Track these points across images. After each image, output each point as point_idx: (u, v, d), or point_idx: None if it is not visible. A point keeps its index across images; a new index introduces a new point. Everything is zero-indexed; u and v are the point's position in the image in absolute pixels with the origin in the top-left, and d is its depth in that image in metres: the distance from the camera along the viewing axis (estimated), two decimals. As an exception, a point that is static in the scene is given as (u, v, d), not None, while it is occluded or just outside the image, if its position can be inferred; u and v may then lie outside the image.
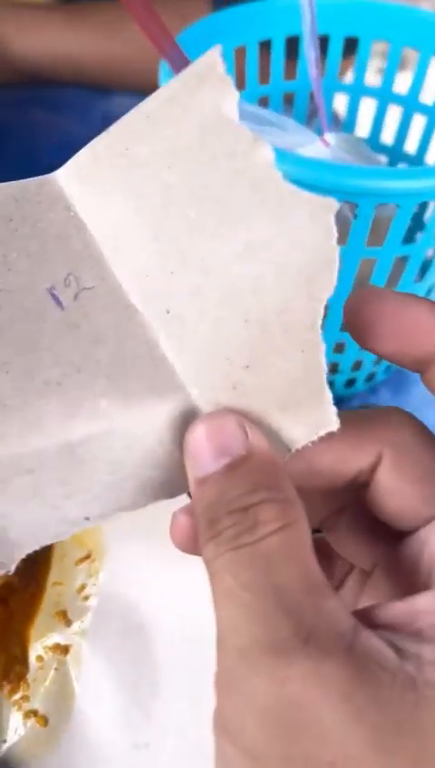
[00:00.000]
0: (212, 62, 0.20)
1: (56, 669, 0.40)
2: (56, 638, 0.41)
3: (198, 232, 0.20)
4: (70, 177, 0.23)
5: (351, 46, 0.56)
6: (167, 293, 0.21)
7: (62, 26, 0.89)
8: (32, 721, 0.38)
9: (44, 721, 0.38)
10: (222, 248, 0.20)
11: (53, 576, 0.45)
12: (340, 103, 0.62)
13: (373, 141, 0.58)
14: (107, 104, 0.91)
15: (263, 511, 0.18)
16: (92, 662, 0.40)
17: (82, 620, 0.42)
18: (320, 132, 0.49)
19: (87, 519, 0.20)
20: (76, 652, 0.40)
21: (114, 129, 0.22)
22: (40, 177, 0.23)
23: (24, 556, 0.19)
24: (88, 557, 0.44)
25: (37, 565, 0.46)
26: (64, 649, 0.41)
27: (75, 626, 0.42)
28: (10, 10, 0.89)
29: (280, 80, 0.57)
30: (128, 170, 0.21)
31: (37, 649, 0.42)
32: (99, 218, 0.22)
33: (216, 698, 0.17)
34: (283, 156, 0.38)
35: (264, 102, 0.58)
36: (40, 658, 0.41)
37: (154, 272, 0.21)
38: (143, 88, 0.88)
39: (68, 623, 0.42)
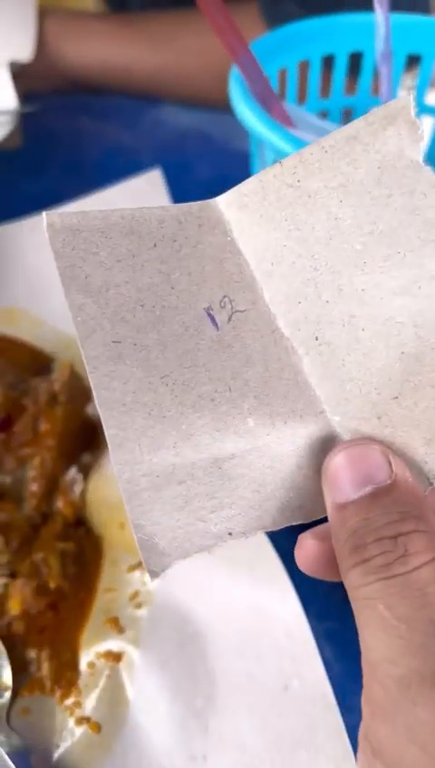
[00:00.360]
0: (403, 105, 0.21)
1: (108, 676, 0.40)
2: (108, 644, 0.41)
3: (361, 264, 0.21)
4: (231, 204, 0.24)
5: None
6: (318, 321, 0.22)
7: (112, 36, 0.89)
8: (85, 727, 0.38)
9: (97, 727, 0.38)
10: (385, 282, 0.21)
11: (104, 582, 0.45)
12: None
13: (432, 160, 0.58)
14: (156, 113, 0.92)
15: (413, 541, 0.18)
16: (146, 670, 0.39)
17: (134, 628, 0.41)
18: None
19: (230, 534, 0.20)
20: (129, 660, 0.40)
21: (287, 161, 0.23)
22: (202, 201, 0.24)
23: (172, 566, 0.19)
24: (140, 564, 0.44)
25: (88, 571, 0.46)
26: (117, 657, 0.41)
27: (128, 633, 0.41)
28: (61, 19, 0.90)
29: (340, 95, 0.57)
30: (295, 201, 0.22)
31: (89, 656, 0.41)
32: (255, 244, 0.23)
33: (370, 723, 0.17)
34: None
35: (323, 117, 0.58)
36: (91, 665, 0.41)
37: (307, 299, 0.22)
38: (192, 99, 0.89)
39: (120, 630, 0.42)
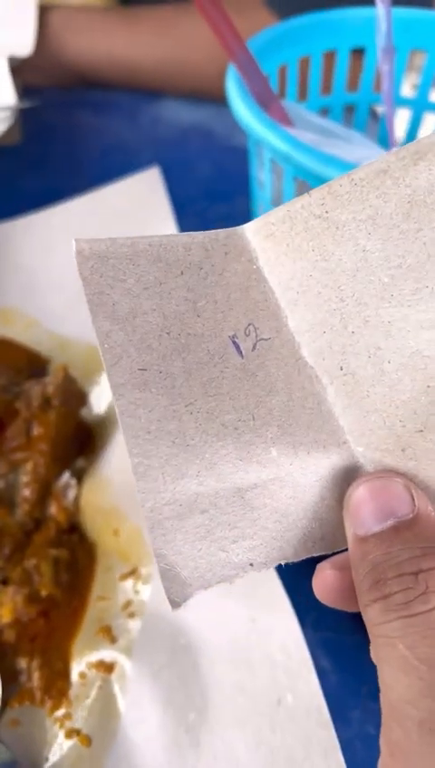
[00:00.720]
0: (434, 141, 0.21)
1: (100, 687, 0.39)
2: (101, 654, 0.41)
3: (388, 297, 0.21)
4: (258, 232, 0.24)
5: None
6: (343, 351, 0.22)
7: (117, 28, 0.88)
8: (75, 740, 0.37)
9: (88, 741, 0.37)
10: (412, 315, 0.21)
11: (97, 590, 0.44)
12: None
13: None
14: (156, 109, 0.91)
15: (434, 578, 0.18)
16: (138, 682, 0.39)
17: (126, 638, 0.41)
18: (386, 146, 0.48)
19: (251, 565, 0.20)
20: (121, 670, 0.39)
21: (315, 192, 0.23)
22: (229, 228, 0.24)
23: (193, 596, 0.19)
24: (133, 573, 0.43)
25: (81, 579, 0.45)
26: (108, 667, 0.40)
27: (120, 643, 0.41)
28: (66, 13, 0.89)
29: (342, 91, 0.56)
30: (323, 232, 0.22)
31: (81, 666, 0.41)
32: (281, 273, 0.23)
33: (388, 762, 0.17)
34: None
35: (324, 114, 0.57)
36: (83, 675, 0.40)
37: (333, 329, 0.22)
38: (196, 91, 0.88)
39: (112, 640, 0.41)
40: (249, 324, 0.22)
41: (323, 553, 0.22)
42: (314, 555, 0.22)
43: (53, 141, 0.85)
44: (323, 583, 0.22)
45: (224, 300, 0.22)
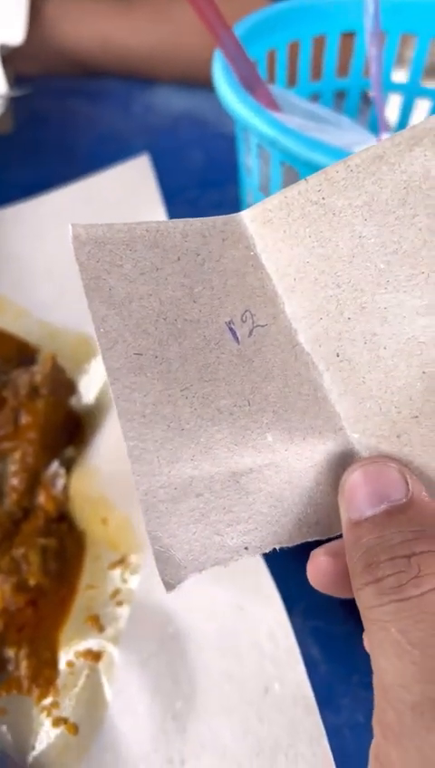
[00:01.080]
0: (431, 127, 0.20)
1: (87, 676, 0.39)
2: (88, 643, 0.40)
3: (384, 283, 0.21)
4: (255, 219, 0.24)
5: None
6: (339, 338, 0.22)
7: (111, 14, 0.88)
8: (62, 728, 0.37)
9: (75, 729, 0.37)
10: (408, 301, 0.21)
11: (86, 579, 0.44)
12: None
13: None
14: (149, 96, 0.90)
15: (426, 561, 0.18)
16: (126, 670, 0.38)
17: (114, 626, 0.41)
18: (376, 132, 0.47)
19: (246, 549, 0.20)
20: (109, 659, 0.39)
21: (312, 178, 0.23)
22: (226, 215, 0.24)
23: (187, 579, 0.19)
24: (122, 562, 0.43)
25: (70, 568, 0.45)
26: (96, 656, 0.40)
27: (108, 632, 0.40)
28: (57, 0, 0.88)
29: (332, 77, 0.56)
30: (320, 218, 0.22)
31: (68, 654, 0.41)
32: (278, 259, 0.23)
33: (381, 745, 0.17)
34: (344, 156, 0.36)
35: (314, 100, 0.57)
36: (70, 664, 0.40)
37: (329, 315, 0.22)
38: (190, 77, 0.87)
39: (100, 629, 0.41)
40: (246, 311, 0.22)
41: (317, 538, 0.22)
42: (309, 540, 0.22)
43: (44, 130, 0.85)
44: (317, 569, 0.22)
45: (221, 286, 0.23)
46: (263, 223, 0.23)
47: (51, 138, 0.84)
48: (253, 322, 0.22)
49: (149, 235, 0.22)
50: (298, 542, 0.21)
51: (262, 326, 0.22)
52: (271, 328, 0.22)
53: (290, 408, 0.21)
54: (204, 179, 0.71)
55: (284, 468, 0.21)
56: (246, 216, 0.24)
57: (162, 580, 0.19)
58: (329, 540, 0.22)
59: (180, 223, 0.23)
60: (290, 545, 0.21)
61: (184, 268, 0.22)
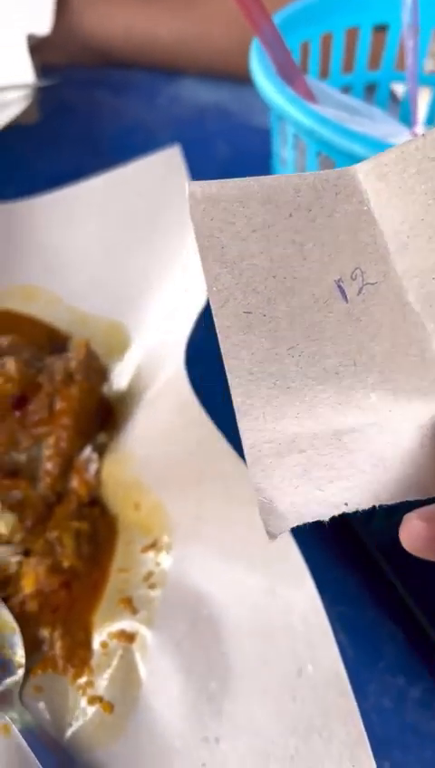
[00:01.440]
0: None
1: (121, 657, 0.40)
2: (122, 624, 0.41)
3: None
4: (369, 173, 0.23)
5: None
6: None
7: (134, 3, 0.88)
8: (97, 707, 0.38)
9: (110, 707, 0.38)
10: None
11: (118, 563, 0.45)
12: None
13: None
14: (174, 88, 0.91)
15: None
16: (159, 651, 0.39)
17: (148, 608, 0.41)
18: (409, 125, 0.48)
19: (346, 504, 0.20)
20: (142, 640, 0.40)
21: (430, 134, 0.22)
22: (340, 168, 0.23)
23: (288, 528, 0.20)
24: (154, 545, 0.44)
25: (102, 551, 0.45)
26: (130, 637, 0.40)
27: (141, 614, 0.41)
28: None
29: (364, 69, 0.56)
30: None
31: (102, 636, 0.41)
32: (392, 216, 0.23)
33: None
34: (381, 147, 0.37)
35: (345, 92, 0.57)
36: (105, 645, 0.41)
37: None
38: (215, 68, 0.87)
39: (134, 611, 0.41)
40: (356, 268, 0.22)
41: (417, 498, 0.22)
42: (409, 499, 0.22)
43: (70, 120, 0.85)
44: (411, 534, 0.23)
45: (331, 242, 0.22)
46: (378, 177, 0.23)
47: (76, 128, 0.85)
48: (363, 280, 0.22)
49: (262, 191, 0.22)
50: (398, 500, 0.21)
51: (372, 284, 0.22)
52: (381, 286, 0.22)
53: (396, 369, 0.21)
54: (231, 172, 0.71)
55: (387, 428, 0.21)
56: (360, 169, 0.23)
57: (266, 530, 0.20)
58: (421, 503, 0.23)
59: (294, 177, 0.23)
60: (389, 503, 0.21)
61: (295, 224, 0.22)
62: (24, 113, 0.76)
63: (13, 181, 0.77)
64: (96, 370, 0.49)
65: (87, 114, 0.87)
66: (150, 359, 0.50)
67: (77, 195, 0.58)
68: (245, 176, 0.64)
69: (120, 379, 0.52)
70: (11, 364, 0.46)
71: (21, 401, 0.46)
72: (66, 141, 0.82)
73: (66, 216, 0.58)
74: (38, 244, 0.58)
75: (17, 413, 0.46)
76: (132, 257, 0.55)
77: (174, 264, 0.53)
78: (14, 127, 0.72)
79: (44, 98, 0.82)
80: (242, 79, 0.91)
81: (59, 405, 0.47)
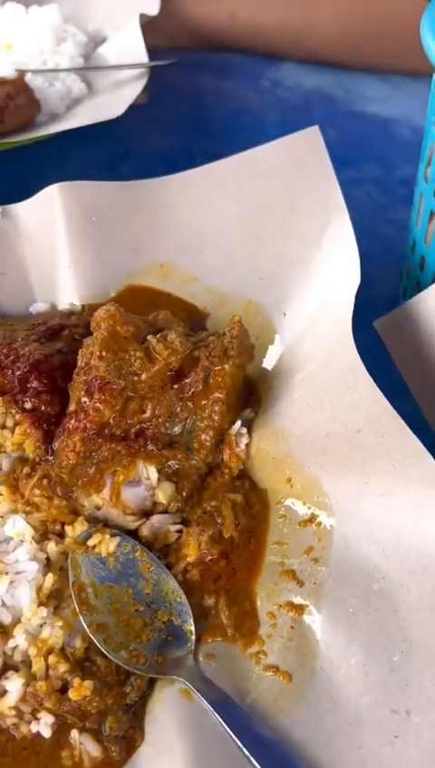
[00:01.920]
0: None
1: (292, 628, 0.40)
2: (288, 596, 0.42)
3: None
4: None
5: None
6: None
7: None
8: (275, 675, 0.39)
9: (288, 677, 0.38)
10: None
11: (273, 536, 0.45)
12: None
13: None
14: (275, 72, 0.90)
15: None
16: (332, 624, 0.39)
17: (314, 582, 0.42)
18: None
19: None
20: (312, 613, 0.40)
21: None
22: None
23: None
24: (311, 520, 0.44)
25: (257, 523, 0.46)
26: (298, 609, 0.41)
27: (308, 587, 0.41)
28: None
29: None
30: None
31: (268, 606, 0.42)
32: None
33: None
34: None
35: None
36: (272, 615, 0.41)
37: None
38: (318, 54, 0.87)
39: (300, 584, 0.42)
40: None
41: None
42: None
43: (177, 102, 0.86)
44: None
45: None
46: None
47: (183, 110, 0.85)
48: None
49: None
50: None
51: None
52: None
53: None
54: (339, 157, 0.71)
55: None
56: None
57: None
58: None
59: None
60: None
61: None
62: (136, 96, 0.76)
63: (126, 160, 0.78)
64: (246, 348, 0.49)
65: (193, 97, 0.87)
66: (300, 339, 0.50)
67: (213, 173, 0.58)
68: (353, 159, 0.63)
69: (262, 357, 0.52)
70: (173, 336, 0.46)
71: (179, 374, 0.47)
72: (175, 123, 0.83)
73: (202, 195, 0.58)
74: (174, 223, 0.58)
75: (175, 386, 0.47)
76: (269, 237, 0.55)
77: (313, 248, 0.53)
78: (129, 106, 0.73)
79: (150, 80, 0.82)
80: (346, 65, 0.91)
81: (213, 380, 0.47)
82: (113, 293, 0.56)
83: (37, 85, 0.77)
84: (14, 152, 0.72)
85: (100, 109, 0.75)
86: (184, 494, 0.47)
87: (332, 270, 0.51)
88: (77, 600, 0.40)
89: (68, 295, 0.56)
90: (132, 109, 0.74)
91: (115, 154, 0.79)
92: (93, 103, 0.79)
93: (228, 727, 0.35)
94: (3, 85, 0.73)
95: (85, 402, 0.44)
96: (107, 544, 0.43)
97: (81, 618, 0.40)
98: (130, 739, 0.37)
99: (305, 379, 0.47)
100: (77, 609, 0.40)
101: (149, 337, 0.46)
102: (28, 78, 0.76)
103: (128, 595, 0.42)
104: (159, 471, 0.46)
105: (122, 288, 0.57)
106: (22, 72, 0.76)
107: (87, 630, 0.40)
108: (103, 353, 0.45)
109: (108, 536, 0.43)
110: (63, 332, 0.51)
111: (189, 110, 0.85)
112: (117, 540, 0.44)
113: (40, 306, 0.57)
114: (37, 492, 0.43)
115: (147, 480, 0.46)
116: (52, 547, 0.42)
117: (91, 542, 0.43)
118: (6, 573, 0.40)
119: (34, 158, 0.72)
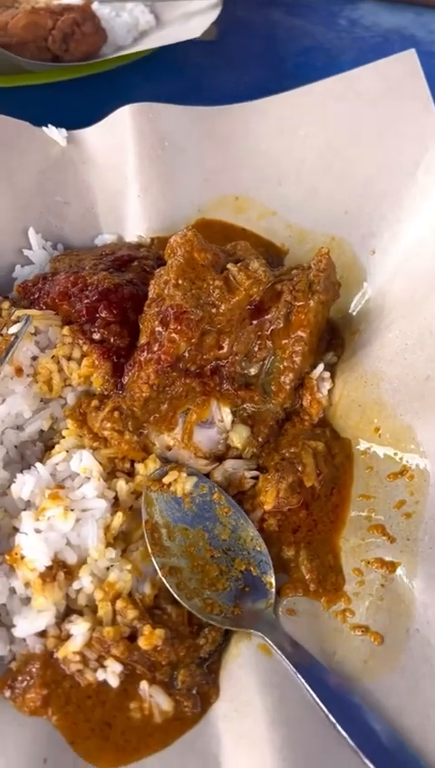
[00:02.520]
0: None
1: (382, 586, 0.36)
2: (377, 552, 0.38)
3: None
4: None
5: None
6: None
7: None
8: (364, 636, 0.35)
9: (380, 638, 0.35)
10: None
11: (358, 488, 0.41)
12: None
13: None
14: (354, 10, 0.84)
15: None
16: (427, 584, 0.35)
17: (408, 538, 0.38)
18: None
19: None
20: (406, 571, 0.36)
21: None
22: None
23: None
24: (403, 473, 0.40)
25: (339, 474, 0.42)
26: (390, 566, 0.37)
27: (399, 543, 0.37)
28: None
29: None
30: None
31: (354, 562, 0.38)
32: None
33: None
34: None
35: None
36: (359, 572, 0.37)
37: None
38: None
39: (391, 539, 0.38)
40: None
41: None
42: None
43: (247, 39, 0.80)
44: None
45: None
46: None
47: (254, 47, 0.80)
48: None
49: None
50: None
51: None
52: None
53: None
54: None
55: None
56: None
57: None
58: None
59: None
60: None
61: None
62: (207, 29, 0.71)
63: (193, 96, 0.73)
64: (332, 285, 0.45)
65: (263, 33, 0.82)
66: (392, 278, 0.46)
67: (295, 100, 0.54)
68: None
69: (347, 297, 0.48)
70: (256, 264, 0.42)
71: (258, 309, 0.43)
72: (246, 59, 0.78)
73: (283, 123, 0.54)
74: (252, 152, 0.54)
75: (254, 322, 0.43)
76: (356, 169, 0.51)
77: (407, 180, 0.48)
78: (196, 42, 0.69)
79: (221, 15, 0.77)
80: (428, 4, 0.85)
81: (296, 317, 0.43)
82: (183, 227, 0.52)
83: (104, 15, 0.73)
84: (79, 83, 0.68)
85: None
86: (260, 439, 0.43)
87: (429, 204, 0.46)
88: (150, 539, 0.37)
89: (136, 227, 0.53)
90: (200, 45, 0.70)
91: (182, 90, 0.74)
92: (161, 35, 0.74)
93: (313, 692, 0.32)
94: (69, 11, 0.69)
95: (160, 332, 0.40)
96: (183, 483, 0.40)
97: (153, 560, 0.37)
98: (205, 695, 0.34)
99: (401, 318, 0.42)
100: (149, 550, 0.37)
101: (229, 265, 0.42)
102: (95, 6, 0.73)
103: (203, 539, 0.38)
104: (233, 413, 0.42)
105: (193, 221, 0.53)
106: (88, 0, 0.72)
107: (159, 573, 0.36)
108: (179, 281, 0.41)
109: (184, 475, 0.40)
110: (133, 263, 0.48)
111: (259, 46, 0.80)
112: (194, 480, 0.40)
113: (106, 238, 0.53)
114: (108, 425, 0.40)
115: (220, 422, 0.42)
116: (121, 485, 0.39)
117: (166, 480, 0.40)
118: (72, 510, 0.37)
119: (99, 90, 0.68)
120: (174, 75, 0.73)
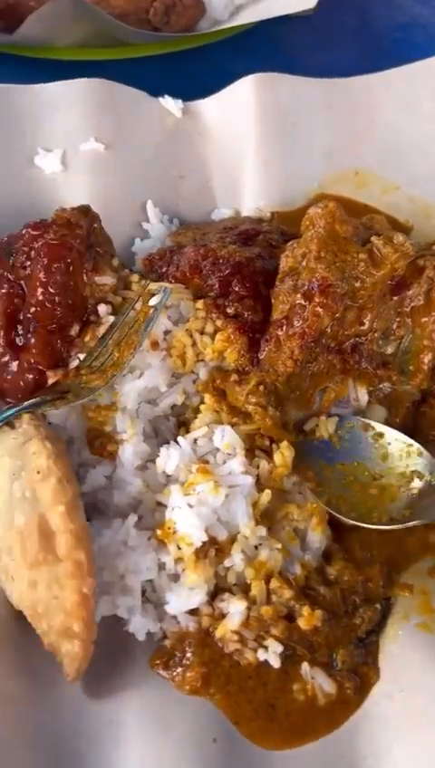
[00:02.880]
0: None
1: None
2: None
3: None
4: None
5: None
6: None
7: None
8: None
9: None
10: None
11: None
12: None
13: None
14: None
15: None
16: None
17: None
18: None
19: None
20: None
21: None
22: None
23: None
24: None
25: None
26: None
27: None
28: None
29: None
30: None
31: None
32: None
33: None
34: None
35: None
36: None
37: None
38: None
39: None
40: None
41: None
42: None
43: (345, 15, 0.78)
44: None
45: None
46: None
47: (350, 22, 0.78)
48: None
49: None
50: None
51: None
52: None
53: None
54: None
55: None
56: None
57: None
58: None
59: None
60: None
61: None
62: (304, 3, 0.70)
63: (296, 72, 0.72)
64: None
65: (361, 9, 0.79)
66: None
67: (420, 73, 0.52)
68: None
69: None
70: (402, 238, 0.41)
71: (399, 285, 0.41)
72: (344, 35, 0.76)
73: (407, 97, 0.52)
74: (374, 126, 0.52)
75: (394, 298, 0.41)
76: None
77: None
78: (293, 18, 0.67)
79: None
80: None
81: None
82: (301, 203, 0.51)
83: (201, -13, 0.71)
84: (171, 57, 0.67)
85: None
86: (397, 420, 0.42)
87: None
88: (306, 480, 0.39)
89: (254, 201, 0.51)
90: (294, 21, 0.68)
91: (278, 67, 0.72)
92: (259, 9, 0.73)
93: None
94: (169, -16, 0.68)
95: (302, 306, 0.39)
96: (326, 426, 0.40)
97: (312, 495, 0.38)
98: (364, 676, 0.33)
99: None
100: (307, 487, 0.38)
101: (374, 238, 0.41)
102: (193, -21, 0.71)
103: (362, 468, 0.40)
104: (369, 393, 0.41)
105: (312, 196, 0.51)
106: (187, -28, 0.71)
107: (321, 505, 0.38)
108: (321, 253, 0.40)
109: (323, 418, 0.40)
110: (258, 237, 0.46)
111: (356, 22, 0.78)
112: (335, 420, 0.41)
113: (223, 212, 0.52)
114: (253, 399, 0.38)
115: (355, 401, 0.41)
116: (264, 465, 0.38)
117: (306, 427, 0.41)
118: (221, 486, 0.36)
119: (192, 65, 0.67)
120: (269, 53, 0.71)
